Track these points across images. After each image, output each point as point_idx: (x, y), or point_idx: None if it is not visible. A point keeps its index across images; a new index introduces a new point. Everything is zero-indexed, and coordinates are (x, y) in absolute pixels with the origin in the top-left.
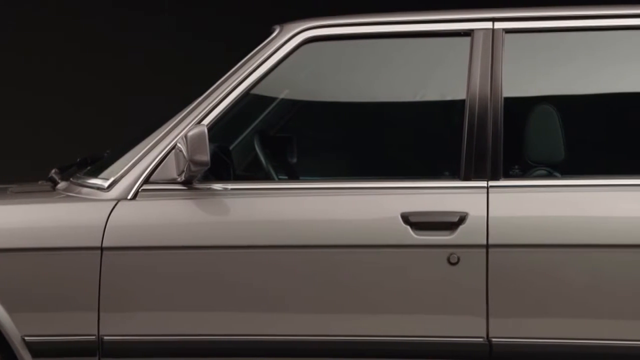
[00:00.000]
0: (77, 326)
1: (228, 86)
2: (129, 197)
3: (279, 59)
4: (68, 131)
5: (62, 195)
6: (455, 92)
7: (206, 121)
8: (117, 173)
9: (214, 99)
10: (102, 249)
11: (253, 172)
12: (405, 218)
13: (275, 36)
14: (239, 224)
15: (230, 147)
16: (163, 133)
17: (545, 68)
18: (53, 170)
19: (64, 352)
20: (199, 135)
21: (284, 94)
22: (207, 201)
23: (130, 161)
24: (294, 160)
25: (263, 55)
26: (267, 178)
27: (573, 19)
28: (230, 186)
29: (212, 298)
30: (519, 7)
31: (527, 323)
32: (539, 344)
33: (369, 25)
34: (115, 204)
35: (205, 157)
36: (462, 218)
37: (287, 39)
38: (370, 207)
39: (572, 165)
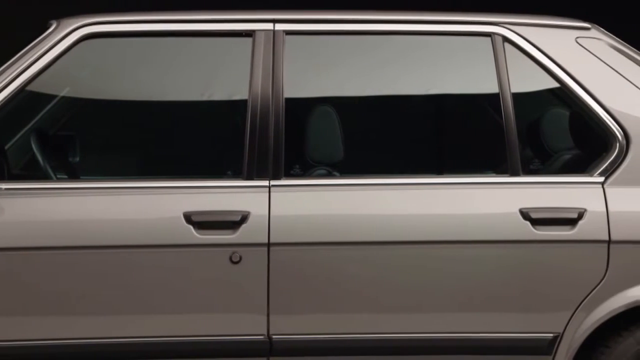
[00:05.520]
0: None
1: (0, 82)
2: None
3: (55, 55)
4: None
5: None
6: (238, 92)
7: None
8: None
9: None
10: None
11: (30, 172)
12: (188, 217)
13: (52, 32)
14: (12, 225)
15: (6, 146)
16: None
17: (325, 70)
18: None
19: None
20: None
21: (64, 91)
22: None
23: None
24: (76, 159)
25: (39, 51)
26: (45, 177)
27: (350, 23)
28: (4, 186)
29: None
30: (300, 10)
31: (307, 319)
32: (318, 339)
33: (150, 23)
34: None
35: None
36: (244, 217)
37: (64, 35)
38: (153, 206)
39: (350, 164)
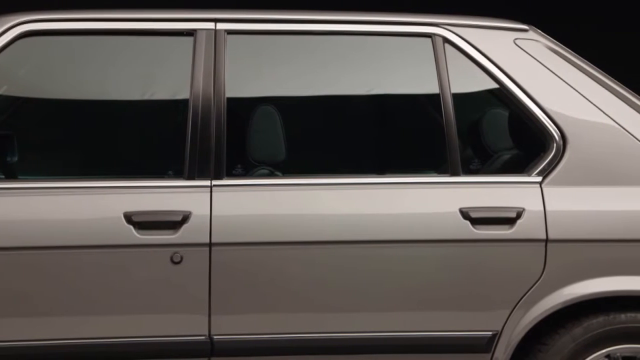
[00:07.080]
0: None
1: None
2: None
3: None
4: None
5: None
6: (179, 91)
7: None
8: None
9: None
10: None
11: None
12: (129, 218)
13: None
14: None
15: None
16: None
17: (267, 69)
18: None
19: None
20: None
21: (1, 90)
22: None
23: None
24: (14, 159)
25: None
26: None
27: (292, 23)
28: None
29: None
30: (241, 9)
31: (249, 319)
32: (260, 339)
33: (90, 21)
34: None
35: None
36: (186, 217)
37: (1, 33)
38: (93, 206)
39: (292, 164)
